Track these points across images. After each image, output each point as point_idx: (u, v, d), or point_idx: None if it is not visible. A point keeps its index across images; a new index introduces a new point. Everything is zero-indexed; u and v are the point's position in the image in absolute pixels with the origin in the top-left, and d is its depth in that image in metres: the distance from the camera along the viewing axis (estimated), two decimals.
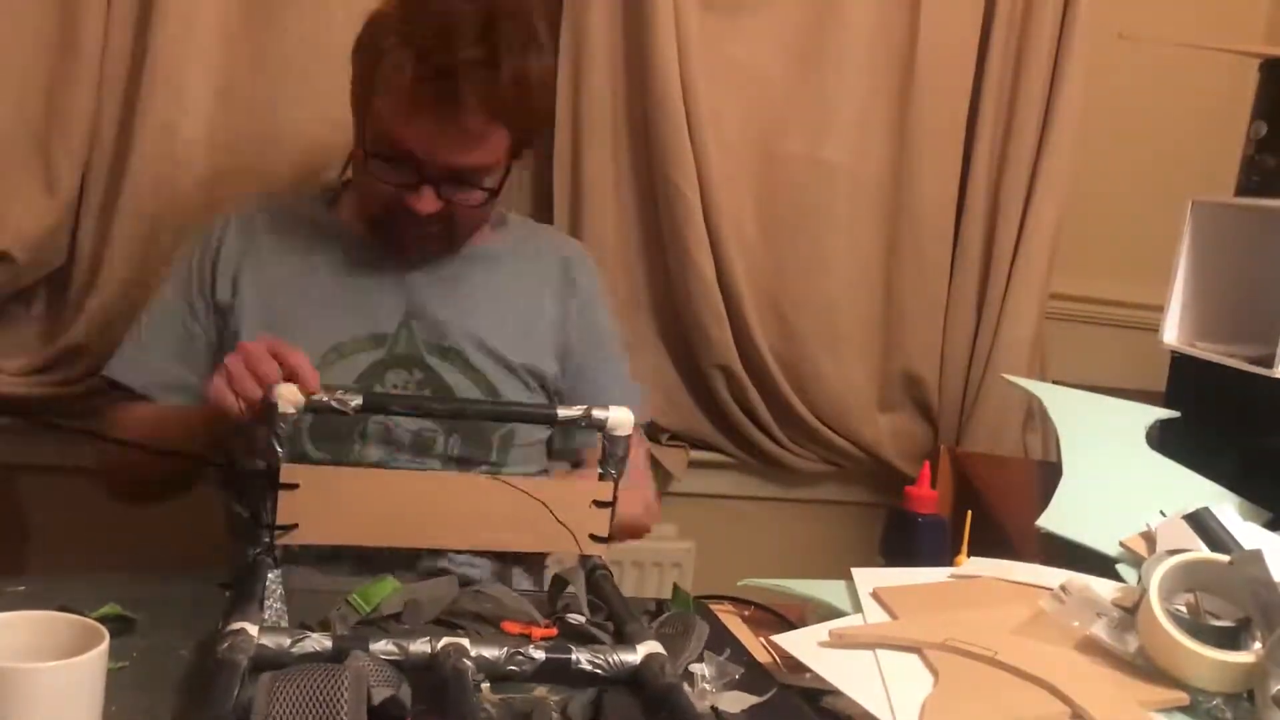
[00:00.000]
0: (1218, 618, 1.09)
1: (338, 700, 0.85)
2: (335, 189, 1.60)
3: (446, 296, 1.49)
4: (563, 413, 1.22)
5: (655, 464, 2.16)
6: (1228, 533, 1.24)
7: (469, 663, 0.96)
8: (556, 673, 1.00)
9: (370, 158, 1.40)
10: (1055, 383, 1.79)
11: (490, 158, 1.40)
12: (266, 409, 1.14)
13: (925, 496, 1.40)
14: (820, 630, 1.09)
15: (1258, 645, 1.04)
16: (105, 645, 0.82)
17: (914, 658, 1.04)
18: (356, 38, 1.44)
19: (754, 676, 1.08)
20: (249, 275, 1.48)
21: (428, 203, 1.38)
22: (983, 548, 1.32)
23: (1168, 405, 1.64)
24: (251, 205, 1.56)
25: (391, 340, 1.47)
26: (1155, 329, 1.75)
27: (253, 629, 0.95)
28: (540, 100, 1.44)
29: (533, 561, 1.58)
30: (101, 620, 1.00)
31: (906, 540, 1.38)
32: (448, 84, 1.31)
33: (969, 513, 1.34)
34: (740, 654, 1.13)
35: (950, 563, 1.29)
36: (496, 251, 1.55)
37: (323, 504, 1.14)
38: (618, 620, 1.10)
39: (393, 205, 1.40)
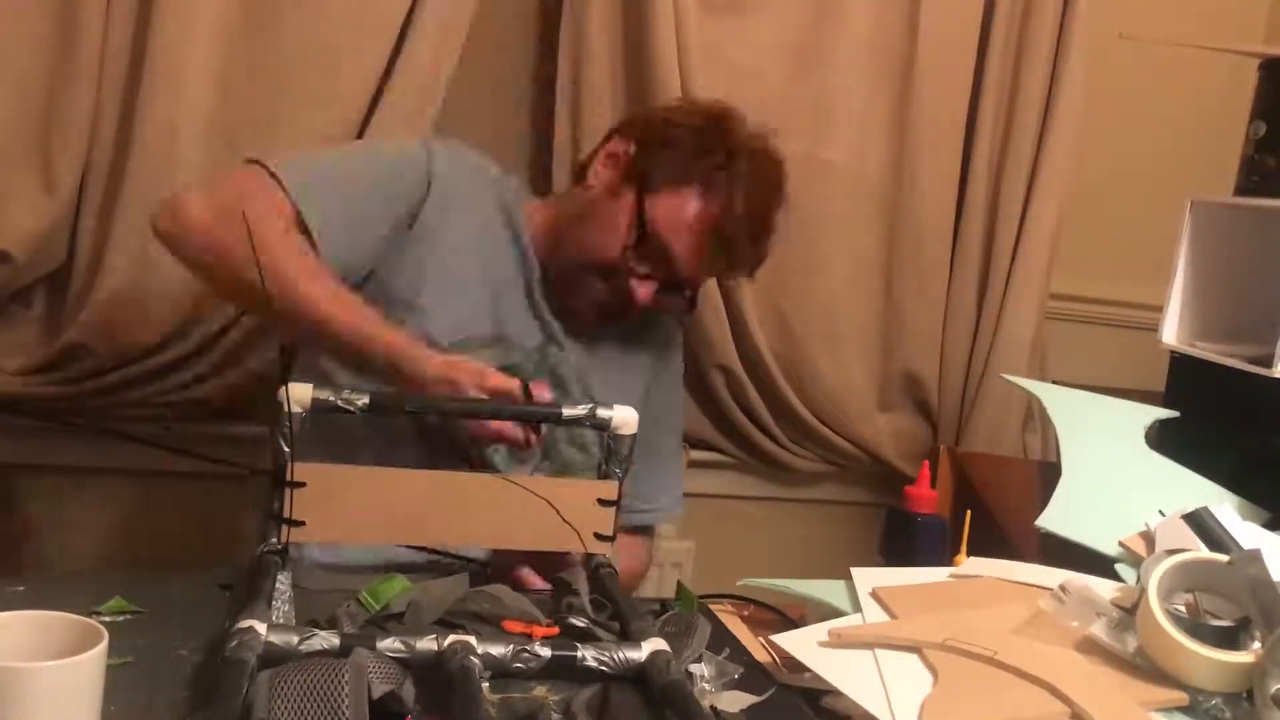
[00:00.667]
0: (1217, 617, 1.09)
1: (338, 694, 0.85)
2: (516, 198, 1.56)
3: (581, 350, 1.53)
4: (568, 412, 1.22)
5: None
6: (1226, 532, 1.24)
7: (476, 660, 0.96)
8: (562, 670, 1.00)
9: (627, 221, 1.44)
10: (1055, 383, 1.80)
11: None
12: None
13: (925, 496, 1.40)
14: (820, 630, 1.09)
15: (1257, 645, 1.04)
16: (104, 645, 0.82)
17: (913, 657, 1.04)
18: (678, 113, 1.55)
19: (753, 676, 1.08)
20: (436, 220, 1.45)
21: (645, 294, 1.46)
22: (982, 547, 1.32)
23: (1167, 405, 1.64)
24: (468, 158, 1.53)
25: (524, 360, 1.48)
26: (1154, 329, 1.75)
27: (261, 627, 0.94)
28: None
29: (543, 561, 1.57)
30: (110, 615, 1.00)
31: (906, 540, 1.38)
32: (745, 239, 1.45)
33: (968, 512, 1.34)
34: (740, 653, 1.13)
35: (949, 562, 1.29)
36: (618, 330, 1.57)
37: (330, 502, 1.14)
38: (622, 618, 1.10)
39: (611, 273, 1.45)
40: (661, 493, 1.65)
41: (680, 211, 1.43)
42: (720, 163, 1.44)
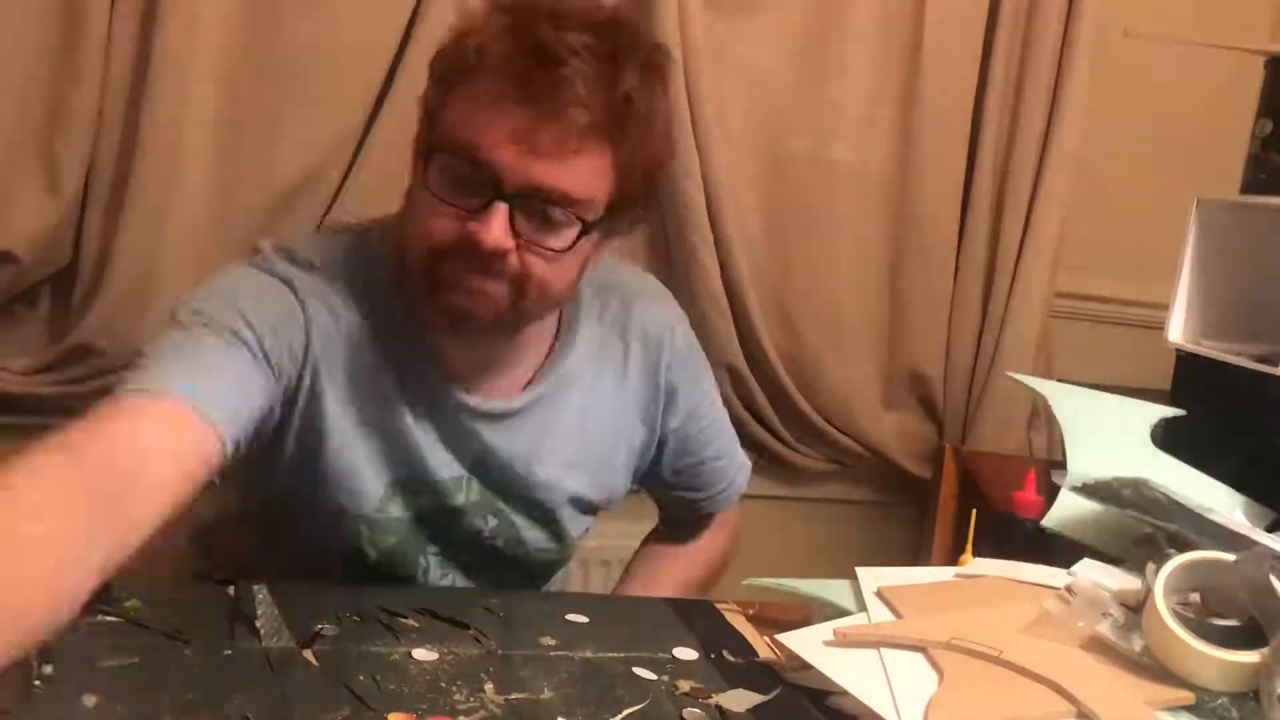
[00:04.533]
0: (1223, 617, 1.09)
1: None
2: (382, 254, 1.22)
3: (524, 441, 1.25)
4: None
5: None
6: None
7: None
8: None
9: (429, 168, 1.10)
10: (1060, 381, 1.79)
11: (586, 184, 1.08)
12: None
13: (1031, 502, 1.39)
14: (825, 629, 1.09)
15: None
16: None
17: (919, 657, 1.04)
18: (439, 47, 1.14)
19: (759, 675, 1.08)
20: (333, 383, 1.17)
21: (497, 229, 1.06)
22: (988, 547, 1.31)
23: (1173, 404, 1.63)
24: (322, 292, 1.18)
25: (466, 485, 1.25)
26: (1160, 327, 1.75)
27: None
28: (658, 138, 1.14)
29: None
30: (130, 613, 1.00)
31: (1009, 543, 1.35)
32: (550, 69, 1.03)
33: (974, 512, 1.33)
34: (746, 652, 1.13)
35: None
36: (575, 372, 1.27)
37: None
38: None
39: (450, 240, 1.09)
40: (727, 474, 1.45)
41: (467, 106, 1.07)
42: (482, 36, 1.08)
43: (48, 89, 1.75)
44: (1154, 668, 1.04)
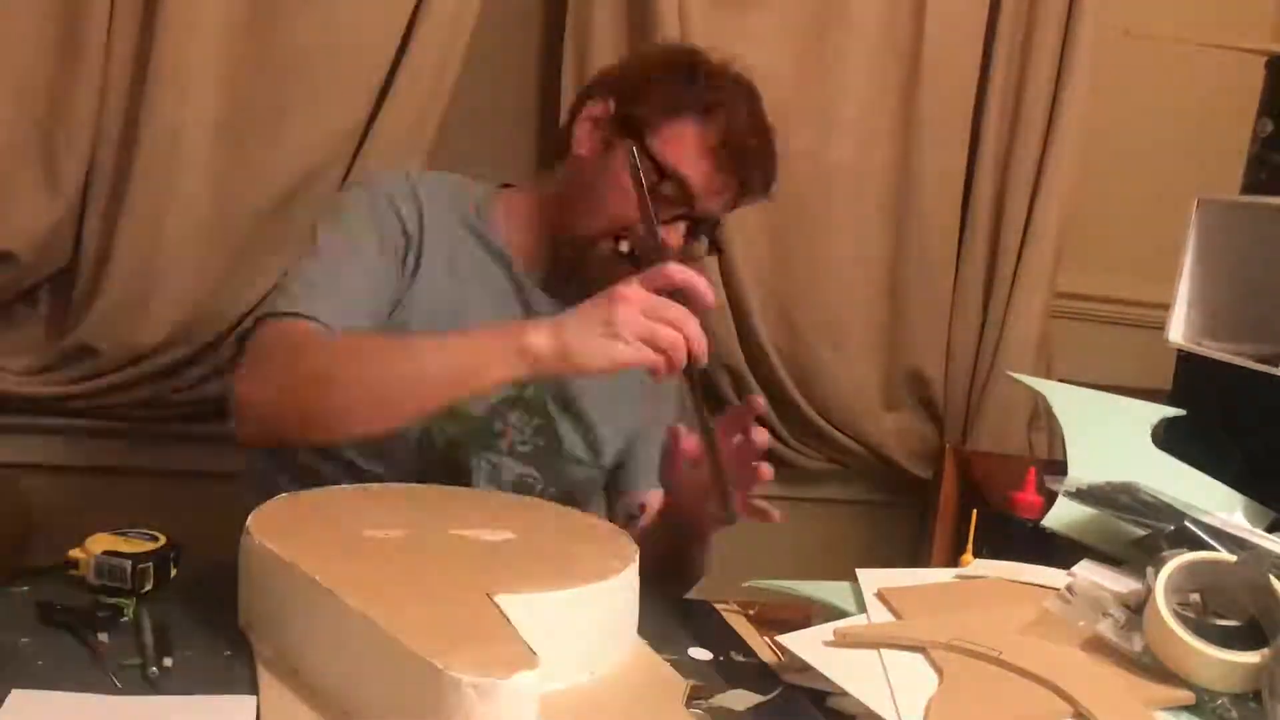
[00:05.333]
0: (1224, 617, 1.09)
1: None
2: (486, 194, 1.48)
3: None
4: None
5: None
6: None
7: None
8: None
9: (626, 160, 1.28)
10: (1061, 381, 1.79)
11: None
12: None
13: (1031, 502, 1.39)
14: (825, 630, 1.09)
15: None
16: None
17: (919, 657, 1.04)
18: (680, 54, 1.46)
19: (759, 676, 1.08)
20: (427, 261, 1.39)
21: (677, 239, 1.37)
22: (988, 547, 1.31)
23: (1173, 404, 1.63)
24: (430, 186, 1.44)
25: (524, 382, 1.41)
26: (1161, 327, 1.75)
27: None
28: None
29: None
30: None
31: (1009, 543, 1.35)
32: (753, 145, 1.39)
33: (974, 512, 1.33)
34: (746, 653, 1.13)
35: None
36: None
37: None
38: None
39: (620, 228, 1.36)
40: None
41: (685, 139, 1.37)
42: (707, 85, 1.40)
43: (47, 89, 1.75)
44: (1154, 668, 1.04)
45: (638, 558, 1.09)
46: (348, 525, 1.08)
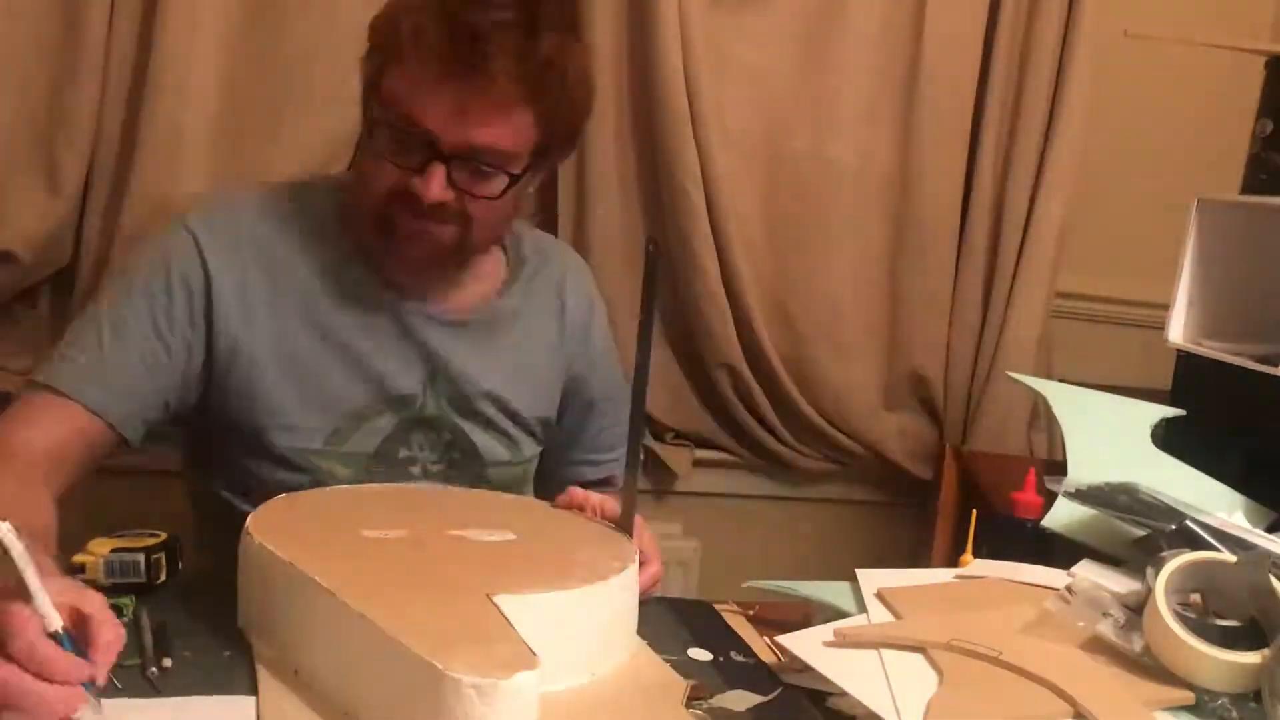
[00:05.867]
0: (1224, 617, 1.09)
1: None
2: (333, 196, 1.39)
3: (468, 354, 1.39)
4: None
5: (660, 463, 2.16)
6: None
7: None
8: None
9: (374, 131, 1.26)
10: (1061, 381, 1.79)
11: (512, 140, 1.25)
12: None
13: (1031, 502, 1.39)
14: (825, 630, 1.09)
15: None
16: None
17: (918, 658, 1.04)
18: (376, 14, 1.29)
19: (759, 676, 1.08)
20: (255, 322, 1.31)
21: (436, 186, 1.22)
22: (988, 547, 1.31)
23: (1173, 404, 1.63)
24: (240, 214, 1.34)
25: (420, 402, 1.37)
26: (1161, 327, 1.75)
27: None
28: (576, 91, 1.29)
29: None
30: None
31: (1009, 544, 1.35)
32: (476, 46, 1.18)
33: (974, 512, 1.33)
34: (746, 653, 1.13)
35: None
36: (513, 307, 1.44)
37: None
38: None
39: (396, 193, 1.25)
40: (621, 440, 1.51)
41: (405, 77, 1.22)
42: (416, 12, 1.22)
43: (48, 89, 1.75)
44: (1154, 668, 1.04)
45: (637, 558, 1.09)
46: (348, 525, 1.08)
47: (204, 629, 1.03)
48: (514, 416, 1.43)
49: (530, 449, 1.47)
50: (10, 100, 1.74)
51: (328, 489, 1.22)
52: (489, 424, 1.42)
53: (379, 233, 1.30)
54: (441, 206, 1.25)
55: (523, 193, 1.34)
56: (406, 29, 1.21)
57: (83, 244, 1.81)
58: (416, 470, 1.39)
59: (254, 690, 0.93)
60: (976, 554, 1.29)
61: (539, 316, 1.47)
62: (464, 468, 1.41)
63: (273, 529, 1.03)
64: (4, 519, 0.84)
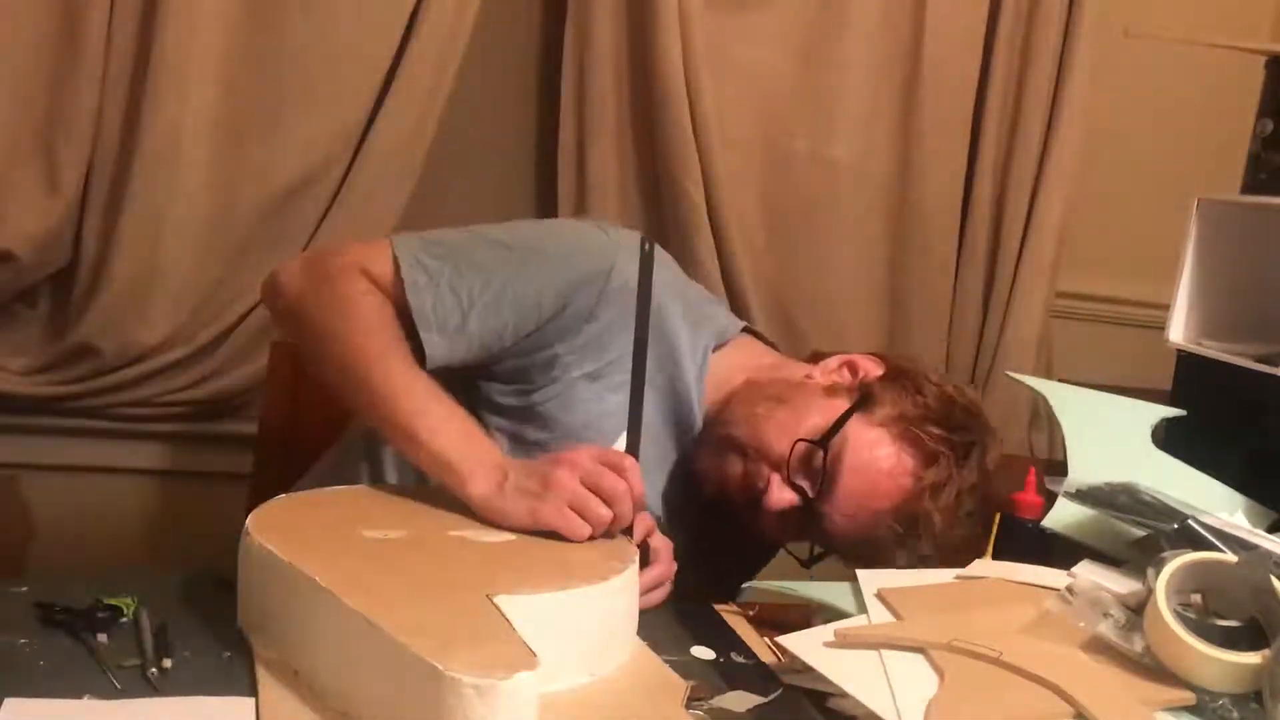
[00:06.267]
0: (1225, 617, 1.09)
1: None
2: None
3: None
4: None
5: None
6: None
7: None
8: None
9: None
10: (1061, 381, 1.79)
11: None
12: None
13: (1031, 502, 1.39)
14: (825, 631, 1.09)
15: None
16: None
17: (919, 658, 1.04)
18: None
19: (759, 676, 1.08)
20: (580, 382, 1.27)
21: (779, 501, 1.26)
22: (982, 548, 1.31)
23: (1173, 404, 1.63)
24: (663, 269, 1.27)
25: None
26: (1161, 327, 1.75)
27: None
28: None
29: None
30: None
31: (1009, 544, 1.35)
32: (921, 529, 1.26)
33: (998, 515, 1.33)
34: (746, 654, 1.13)
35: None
36: None
37: None
38: None
39: (758, 464, 1.27)
40: None
41: (876, 448, 1.26)
42: (954, 440, 1.29)
43: (47, 88, 1.75)
44: (1155, 668, 1.03)
45: (638, 559, 1.09)
46: (347, 525, 1.08)
47: (204, 629, 1.02)
48: None
49: None
50: (10, 100, 1.74)
51: (327, 489, 1.21)
52: None
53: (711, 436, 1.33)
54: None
55: None
56: (920, 470, 1.28)
57: (82, 244, 1.81)
58: None
59: (254, 691, 0.93)
60: (978, 554, 1.29)
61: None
62: None
63: (273, 529, 1.02)
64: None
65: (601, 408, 1.26)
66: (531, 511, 1.07)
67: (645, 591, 1.14)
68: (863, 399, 1.28)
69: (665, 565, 1.21)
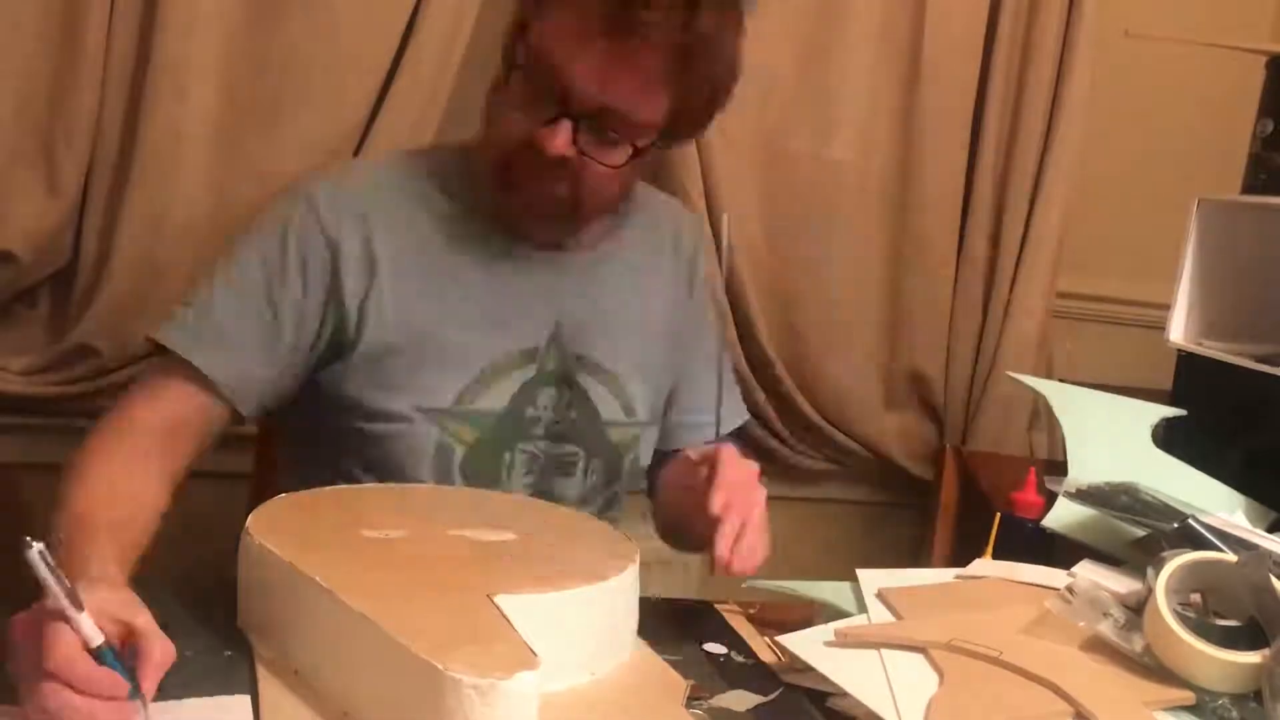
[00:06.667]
0: (1224, 617, 1.09)
1: None
2: (456, 161, 1.37)
3: (591, 306, 1.37)
4: None
5: None
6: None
7: None
8: None
9: (510, 76, 1.23)
10: (1061, 381, 1.79)
11: (646, 113, 1.22)
12: None
13: (1032, 502, 1.39)
14: (826, 630, 1.09)
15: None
16: None
17: (919, 658, 1.04)
18: None
19: (759, 676, 1.08)
20: (382, 281, 1.28)
21: (560, 140, 1.19)
22: (983, 548, 1.31)
23: (1174, 404, 1.63)
24: (361, 179, 1.34)
25: (542, 356, 1.35)
26: (1161, 327, 1.75)
27: None
28: (720, 74, 1.26)
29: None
30: None
31: (1017, 544, 1.35)
32: (638, 11, 1.16)
33: (998, 515, 1.34)
34: (746, 653, 1.13)
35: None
36: (630, 253, 1.42)
37: None
38: None
39: (520, 144, 1.22)
40: (730, 413, 1.51)
41: (558, 27, 1.19)
42: None
43: (47, 89, 1.75)
44: (1154, 668, 1.04)
45: (638, 558, 1.09)
46: (347, 525, 1.08)
47: (204, 629, 1.02)
48: (640, 373, 1.41)
49: (645, 410, 1.42)
50: (10, 100, 1.74)
51: (327, 489, 1.22)
52: (607, 379, 1.38)
53: (498, 183, 1.28)
54: (561, 163, 1.21)
55: (639, 169, 1.31)
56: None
57: (83, 244, 1.81)
58: (539, 430, 1.36)
59: (254, 690, 0.93)
60: (978, 554, 1.29)
61: (657, 263, 1.46)
62: (581, 427, 1.38)
63: (273, 529, 1.02)
64: (40, 540, 0.82)
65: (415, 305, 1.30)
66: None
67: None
68: (522, 25, 1.24)
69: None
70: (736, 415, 1.55)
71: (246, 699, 0.91)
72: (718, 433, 1.30)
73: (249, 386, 1.26)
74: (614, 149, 1.23)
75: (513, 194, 1.28)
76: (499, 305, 1.33)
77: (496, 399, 1.32)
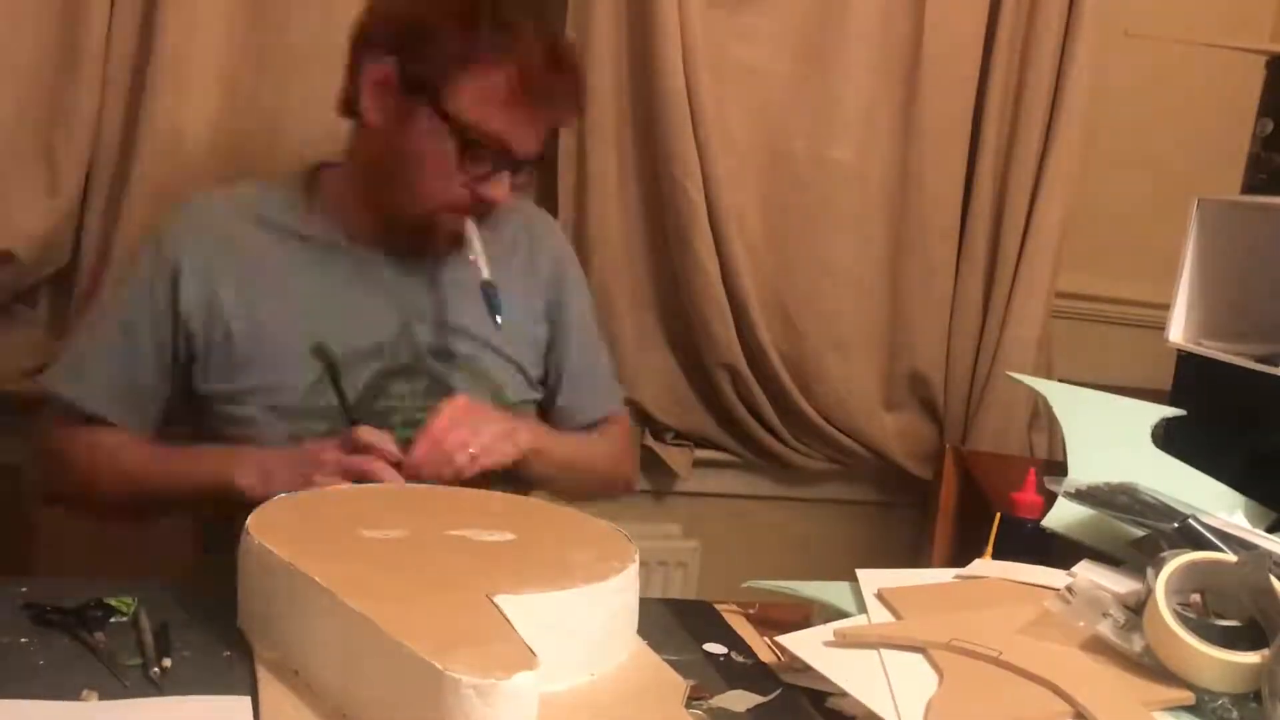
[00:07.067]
0: (1224, 617, 1.09)
1: None
2: (302, 184, 1.52)
3: (441, 302, 1.46)
4: None
5: (660, 463, 2.16)
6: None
7: None
8: None
9: (425, 136, 1.36)
10: (1060, 381, 1.79)
11: (542, 150, 1.43)
12: None
13: (1032, 502, 1.39)
14: (825, 630, 1.09)
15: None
16: None
17: (919, 658, 1.04)
18: (378, 20, 1.44)
19: (759, 676, 1.08)
20: (222, 292, 1.41)
21: (504, 191, 1.38)
22: (982, 548, 1.32)
23: (1173, 404, 1.63)
24: (198, 210, 1.47)
25: (391, 349, 1.44)
26: (1161, 327, 1.75)
27: None
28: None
29: None
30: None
31: (1017, 544, 1.35)
32: (551, 80, 1.35)
33: (998, 515, 1.33)
34: (746, 653, 1.13)
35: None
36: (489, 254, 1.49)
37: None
38: None
39: (463, 200, 1.38)
40: (607, 396, 1.67)
41: (484, 92, 1.34)
42: (494, 24, 1.34)
43: (47, 89, 1.75)
44: (1154, 668, 1.04)
45: (638, 558, 1.09)
46: (347, 525, 1.08)
47: (204, 629, 1.03)
48: (502, 356, 1.49)
49: (517, 390, 1.51)
50: (10, 100, 1.74)
51: (328, 489, 1.22)
52: (468, 364, 1.46)
53: (417, 228, 1.42)
54: (492, 204, 1.39)
55: None
56: (512, 63, 1.33)
57: (83, 244, 1.81)
58: (397, 419, 1.41)
59: (254, 690, 0.93)
60: (978, 554, 1.29)
61: (513, 258, 1.54)
62: None
63: (273, 529, 1.03)
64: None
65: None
66: (305, 479, 1.22)
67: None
68: (424, 89, 1.36)
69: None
70: (612, 399, 1.68)
71: (246, 699, 0.92)
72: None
73: (136, 413, 1.42)
74: (528, 175, 1.44)
75: (439, 238, 1.42)
76: (343, 306, 1.43)
77: (347, 392, 1.39)
